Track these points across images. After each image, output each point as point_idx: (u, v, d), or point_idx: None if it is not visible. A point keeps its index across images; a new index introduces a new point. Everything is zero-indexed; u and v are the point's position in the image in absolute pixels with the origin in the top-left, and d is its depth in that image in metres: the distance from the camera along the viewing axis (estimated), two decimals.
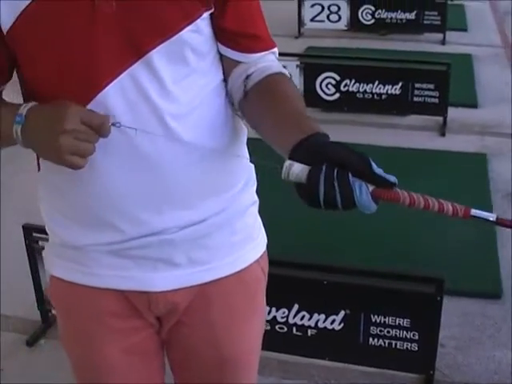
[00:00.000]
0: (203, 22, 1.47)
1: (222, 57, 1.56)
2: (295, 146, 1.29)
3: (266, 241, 1.75)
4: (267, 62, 1.56)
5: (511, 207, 4.54)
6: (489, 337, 3.39)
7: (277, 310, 2.97)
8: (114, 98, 1.41)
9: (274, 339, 2.96)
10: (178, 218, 1.53)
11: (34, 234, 3.25)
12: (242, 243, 1.66)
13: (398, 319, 2.85)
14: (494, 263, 3.90)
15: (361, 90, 5.99)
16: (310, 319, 2.95)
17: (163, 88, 1.45)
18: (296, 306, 2.95)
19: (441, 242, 4.13)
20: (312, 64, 6.17)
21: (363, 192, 1.22)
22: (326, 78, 6.04)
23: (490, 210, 4.39)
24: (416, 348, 2.88)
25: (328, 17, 8.68)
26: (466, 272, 3.81)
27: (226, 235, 1.61)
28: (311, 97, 6.01)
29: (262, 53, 1.56)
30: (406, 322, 2.84)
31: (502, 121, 5.95)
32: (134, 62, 1.41)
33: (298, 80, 6.04)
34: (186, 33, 1.44)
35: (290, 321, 2.98)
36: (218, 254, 1.61)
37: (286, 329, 3.01)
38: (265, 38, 1.58)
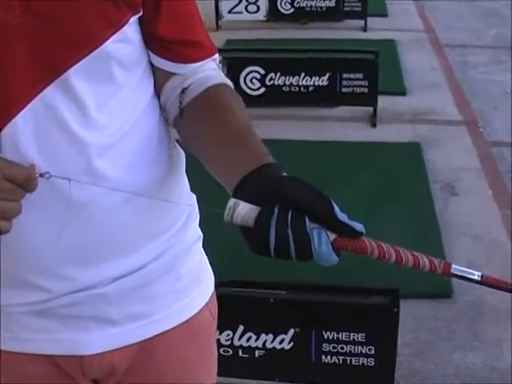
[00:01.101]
0: (131, 29, 1.19)
1: (153, 67, 1.30)
2: (241, 180, 1.07)
3: (213, 279, 1.51)
4: (206, 71, 1.30)
5: (452, 198, 4.41)
6: (444, 340, 3.22)
7: (220, 333, 2.74)
8: (25, 130, 1.13)
9: (220, 363, 2.72)
10: (109, 268, 1.27)
11: None
12: (189, 288, 1.42)
13: (352, 334, 2.66)
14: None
15: (287, 83, 5.80)
16: (256, 340, 2.74)
17: (85, 116, 1.17)
18: (241, 327, 2.73)
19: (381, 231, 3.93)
20: (235, 58, 5.95)
21: (323, 241, 1.02)
22: (251, 72, 5.84)
23: (430, 203, 4.26)
24: (372, 363, 2.69)
25: (246, 8, 8.43)
26: (413, 273, 3.62)
27: (170, 282, 1.37)
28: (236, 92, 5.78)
29: (202, 61, 1.31)
30: (360, 337, 2.66)
31: (433, 107, 5.87)
32: (48, 83, 1.13)
33: None
34: (111, 44, 1.16)
35: (236, 343, 2.77)
36: (160, 304, 1.37)
37: (231, 352, 2.78)
38: (205, 44, 1.31)
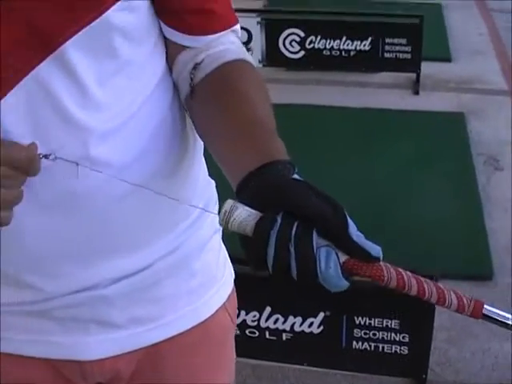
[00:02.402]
0: None
1: (165, 40, 1.13)
2: (245, 178, 0.92)
3: (233, 275, 1.37)
4: (224, 44, 1.13)
5: (495, 173, 4.22)
6: (482, 325, 3.06)
7: (246, 314, 2.65)
8: (15, 110, 0.99)
9: (246, 345, 2.62)
10: (111, 267, 1.13)
11: None
12: (204, 287, 1.28)
13: (385, 320, 2.54)
14: (483, 241, 3.58)
15: (327, 46, 5.69)
16: (284, 322, 2.64)
17: (84, 94, 1.01)
18: (268, 309, 2.63)
19: (423, 222, 3.79)
20: (274, 20, 5.88)
21: (331, 264, 0.85)
22: (290, 34, 5.73)
23: (473, 178, 4.07)
24: (406, 351, 2.57)
25: None
26: (453, 253, 3.49)
27: (181, 281, 1.23)
28: (274, 55, 5.80)
29: (218, 33, 1.14)
30: (394, 324, 2.54)
31: (479, 75, 5.70)
32: (43, 58, 0.98)
33: (259, 38, 5.76)
34: (114, 12, 1.00)
35: (262, 324, 2.67)
36: (170, 306, 1.23)
37: (257, 333, 2.69)
38: (223, 13, 1.14)
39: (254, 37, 5.72)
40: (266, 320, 2.65)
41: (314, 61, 5.77)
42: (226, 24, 1.14)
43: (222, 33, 1.13)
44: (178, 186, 1.16)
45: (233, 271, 1.37)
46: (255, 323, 2.66)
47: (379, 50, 5.55)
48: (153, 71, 1.12)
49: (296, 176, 0.92)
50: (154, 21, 1.10)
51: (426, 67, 5.52)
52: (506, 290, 3.25)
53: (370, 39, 5.55)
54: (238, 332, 2.62)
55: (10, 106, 0.99)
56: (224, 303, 1.32)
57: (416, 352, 2.57)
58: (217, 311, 1.30)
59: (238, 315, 2.62)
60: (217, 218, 0.95)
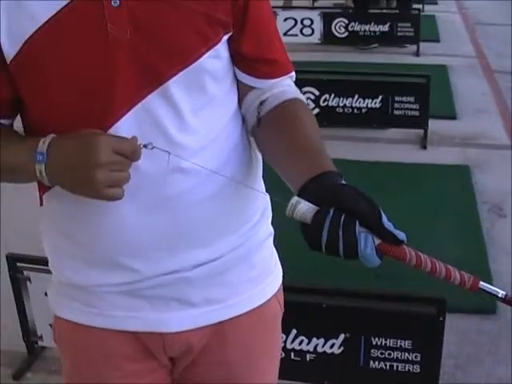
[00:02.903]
0: (222, 46, 1.38)
1: (236, 81, 1.48)
2: (305, 183, 1.24)
3: (281, 272, 1.68)
4: (283, 86, 1.48)
5: (499, 219, 4.51)
6: (487, 353, 3.34)
7: None
8: (129, 130, 1.32)
9: None
10: (192, 256, 1.45)
11: (19, 264, 3.14)
12: (260, 278, 1.58)
13: (399, 341, 2.79)
14: (486, 278, 3.85)
15: (340, 104, 5.93)
16: (308, 343, 2.89)
17: (181, 120, 1.36)
18: (294, 331, 2.88)
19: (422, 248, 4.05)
20: None
21: (368, 245, 1.16)
22: (305, 92, 5.96)
23: (478, 225, 4.33)
24: (418, 370, 2.82)
25: (301, 30, 8.63)
26: (460, 290, 3.74)
27: (244, 271, 1.54)
28: None
29: (279, 78, 1.48)
30: (407, 344, 2.79)
31: (483, 132, 5.94)
32: (150, 92, 1.32)
33: None
34: (206, 59, 1.35)
35: (288, 346, 2.91)
36: (235, 290, 1.54)
37: (283, 354, 2.92)
38: (283, 63, 1.49)
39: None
40: (292, 341, 2.89)
41: (327, 117, 5.92)
42: (285, 71, 1.50)
43: (282, 78, 1.49)
44: (245, 194, 1.49)
45: (281, 270, 1.69)
46: (282, 345, 2.91)
47: (389, 108, 5.76)
48: (229, 105, 1.46)
49: (343, 181, 1.24)
50: (231, 66, 1.44)
51: (433, 124, 5.76)
52: (508, 323, 3.52)
53: (380, 97, 5.75)
54: None
55: (124, 128, 1.33)
56: (275, 293, 1.63)
57: (427, 370, 2.80)
58: (269, 299, 1.61)
59: None
60: (270, 225, 1.29)
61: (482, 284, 1.21)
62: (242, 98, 1.48)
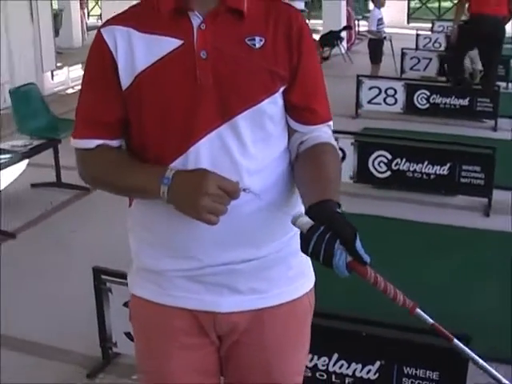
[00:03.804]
0: (279, 95, 1.78)
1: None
2: (311, 205, 1.63)
3: (313, 277, 2.02)
4: (320, 132, 1.85)
5: None
6: None
7: (318, 358, 3.21)
8: (204, 152, 1.74)
9: None
10: (245, 253, 1.82)
11: (103, 276, 3.58)
12: (296, 277, 1.93)
13: (428, 372, 3.07)
14: None
15: (411, 169, 6.21)
16: (348, 368, 3.18)
17: (244, 148, 1.76)
18: (336, 355, 3.19)
19: (466, 305, 4.31)
20: (366, 142, 6.45)
21: (341, 259, 1.53)
22: (379, 156, 6.29)
23: None
24: None
25: (384, 100, 8.99)
26: (491, 337, 3.96)
27: (283, 270, 1.89)
28: (364, 173, 6.36)
29: (318, 125, 1.86)
30: (435, 375, 3.06)
31: None
32: (222, 123, 1.75)
33: (352, 157, 6.33)
34: (266, 104, 1.77)
35: (330, 369, 3.22)
36: (275, 284, 1.89)
37: (325, 376, 3.24)
38: (323, 113, 1.86)
39: (347, 155, 6.29)
40: (334, 365, 3.20)
41: (398, 181, 6.28)
42: (323, 120, 1.89)
43: (321, 125, 1.88)
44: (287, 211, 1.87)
45: (313, 275, 2.02)
46: (324, 367, 3.23)
47: (456, 176, 6.02)
48: (281, 141, 1.87)
49: (338, 210, 1.62)
50: (284, 112, 1.84)
51: (498, 194, 5.99)
52: None
53: (448, 165, 6.04)
54: (310, 374, 3.19)
55: (201, 150, 1.75)
56: (307, 292, 1.98)
57: None
58: (302, 297, 1.96)
59: (311, 360, 3.19)
60: None
61: (418, 311, 1.56)
62: (289, 137, 1.88)
